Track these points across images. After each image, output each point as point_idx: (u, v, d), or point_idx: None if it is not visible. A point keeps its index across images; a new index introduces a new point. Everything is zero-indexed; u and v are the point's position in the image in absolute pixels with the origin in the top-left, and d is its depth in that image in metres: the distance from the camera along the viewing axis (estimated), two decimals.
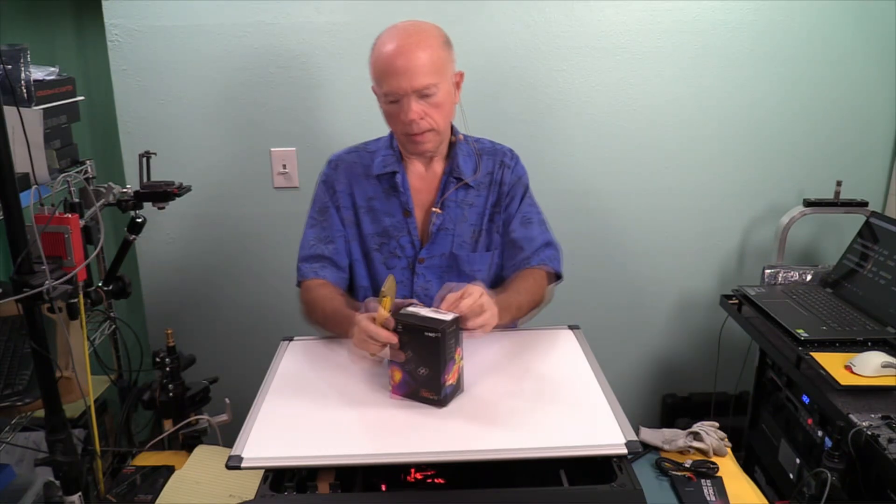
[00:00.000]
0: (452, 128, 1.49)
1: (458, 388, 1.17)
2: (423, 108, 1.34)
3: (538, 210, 1.53)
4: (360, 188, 1.50)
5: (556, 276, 1.51)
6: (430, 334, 1.09)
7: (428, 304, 1.19)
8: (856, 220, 2.03)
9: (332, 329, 1.38)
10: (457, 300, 1.16)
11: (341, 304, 1.37)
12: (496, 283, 1.51)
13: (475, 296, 1.17)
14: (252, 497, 0.94)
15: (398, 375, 1.15)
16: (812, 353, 1.57)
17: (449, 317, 1.12)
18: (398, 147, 1.48)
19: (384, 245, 1.49)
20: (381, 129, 1.53)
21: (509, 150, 1.54)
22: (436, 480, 1.07)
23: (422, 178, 1.50)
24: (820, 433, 1.58)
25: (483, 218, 1.50)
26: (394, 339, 1.12)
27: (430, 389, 1.12)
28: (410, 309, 1.16)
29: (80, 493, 1.18)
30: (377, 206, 1.49)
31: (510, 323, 1.35)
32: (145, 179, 1.65)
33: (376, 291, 1.52)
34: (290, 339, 1.40)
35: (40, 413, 1.19)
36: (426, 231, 1.49)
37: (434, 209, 1.47)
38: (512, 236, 1.49)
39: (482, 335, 1.19)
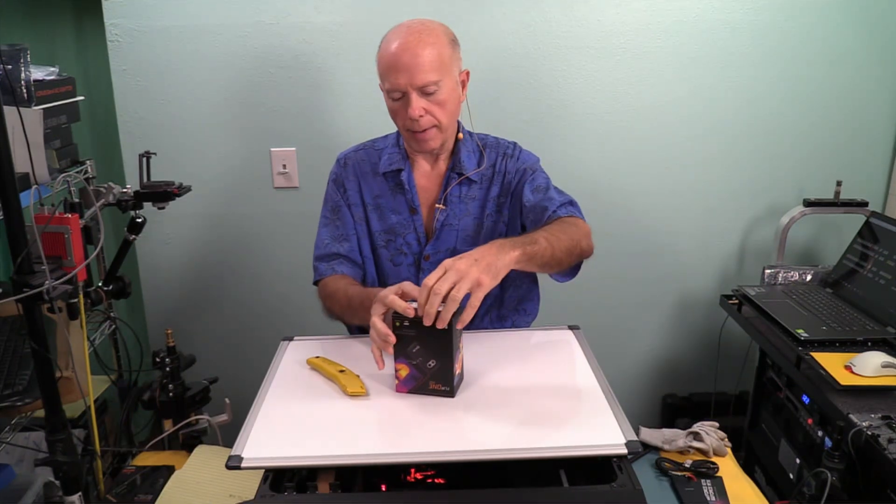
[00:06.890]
0: (459, 125, 1.49)
1: (462, 377, 1.18)
2: (425, 105, 1.35)
3: (552, 183, 1.48)
4: (367, 186, 1.51)
5: None
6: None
7: None
8: (856, 220, 2.03)
9: (354, 315, 1.37)
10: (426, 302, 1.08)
11: (360, 289, 1.38)
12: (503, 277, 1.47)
13: (429, 286, 1.07)
14: (252, 497, 0.93)
15: (405, 371, 1.15)
16: (812, 353, 1.57)
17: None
18: (404, 145, 1.48)
19: (391, 242, 1.50)
20: (382, 129, 1.53)
21: (512, 143, 1.53)
22: (436, 480, 1.07)
23: (427, 176, 1.50)
24: (820, 433, 1.58)
25: (485, 210, 1.50)
26: (392, 338, 1.13)
27: (439, 381, 1.13)
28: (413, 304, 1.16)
29: (80, 493, 1.17)
30: (384, 204, 1.50)
31: (542, 263, 1.25)
32: (145, 179, 1.65)
33: (383, 287, 1.52)
34: (290, 339, 1.40)
35: (40, 413, 1.19)
36: (431, 227, 1.49)
37: (437, 205, 1.48)
38: (528, 205, 1.44)
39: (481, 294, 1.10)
